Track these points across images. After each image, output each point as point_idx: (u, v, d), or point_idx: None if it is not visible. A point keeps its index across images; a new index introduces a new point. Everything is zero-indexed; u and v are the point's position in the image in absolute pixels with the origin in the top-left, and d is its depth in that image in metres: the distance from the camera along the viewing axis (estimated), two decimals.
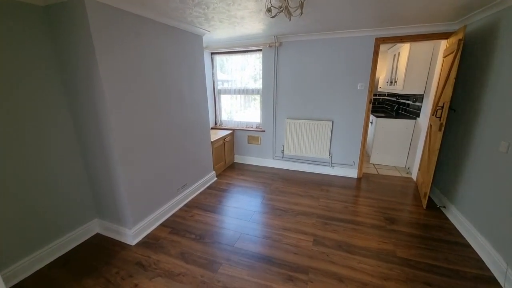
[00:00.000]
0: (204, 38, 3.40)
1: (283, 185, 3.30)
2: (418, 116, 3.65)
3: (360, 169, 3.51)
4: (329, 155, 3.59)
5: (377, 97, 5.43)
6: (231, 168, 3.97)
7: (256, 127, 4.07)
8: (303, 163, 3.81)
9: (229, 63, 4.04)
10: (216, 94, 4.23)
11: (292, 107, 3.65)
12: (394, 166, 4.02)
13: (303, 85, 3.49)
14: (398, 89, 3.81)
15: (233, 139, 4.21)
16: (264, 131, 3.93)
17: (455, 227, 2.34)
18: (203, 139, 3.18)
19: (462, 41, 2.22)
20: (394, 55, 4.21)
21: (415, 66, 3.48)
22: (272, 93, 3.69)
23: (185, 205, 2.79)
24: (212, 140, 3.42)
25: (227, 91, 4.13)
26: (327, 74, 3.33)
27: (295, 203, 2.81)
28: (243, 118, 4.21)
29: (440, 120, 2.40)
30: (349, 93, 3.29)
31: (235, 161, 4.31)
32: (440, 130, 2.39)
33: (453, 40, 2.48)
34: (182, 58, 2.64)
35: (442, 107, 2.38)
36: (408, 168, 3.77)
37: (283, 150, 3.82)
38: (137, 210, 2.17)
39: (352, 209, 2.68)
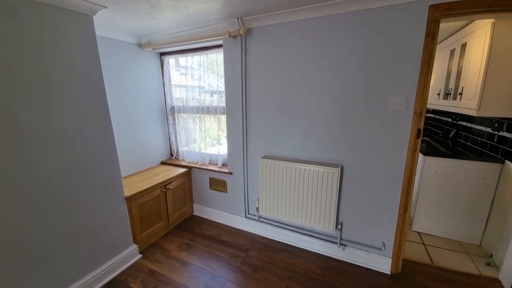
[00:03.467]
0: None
1: None
2: (510, 158, 1.93)
3: (397, 256, 1.86)
4: (337, 226, 1.99)
5: None
6: (179, 230, 2.52)
7: (222, 165, 2.62)
8: (291, 230, 2.24)
9: (185, 68, 2.69)
10: (169, 113, 2.89)
11: (271, 138, 2.15)
12: (459, 241, 2.27)
13: (289, 102, 2.00)
14: (466, 107, 2.14)
15: (190, 181, 2.79)
16: (231, 173, 2.46)
17: None
18: (105, 197, 1.80)
19: None
20: (453, 50, 2.55)
21: (502, 67, 1.82)
22: (241, 114, 2.24)
23: None
24: (132, 194, 2.03)
25: (185, 109, 2.77)
26: (331, 83, 1.81)
27: None
28: (206, 149, 2.79)
29: None
30: (375, 117, 1.72)
31: (194, 213, 2.87)
32: None
33: None
34: (37, 54, 1.33)
35: None
36: (491, 255, 2.00)
37: (258, 208, 2.30)
38: None
39: None
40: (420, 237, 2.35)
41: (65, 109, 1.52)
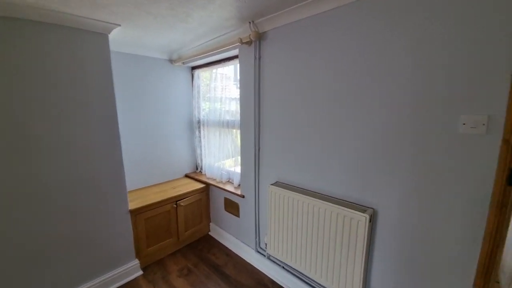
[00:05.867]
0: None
1: None
2: None
3: None
4: None
5: None
6: (188, 250, 2.36)
7: (238, 185, 2.35)
8: (306, 283, 1.73)
9: (212, 80, 2.61)
10: (195, 126, 2.86)
11: (285, 161, 1.75)
12: None
13: (307, 118, 1.58)
14: None
15: (208, 198, 2.63)
16: (243, 196, 2.16)
17: None
18: (108, 208, 1.82)
19: None
20: None
21: None
22: (253, 131, 1.94)
23: None
24: (138, 207, 2.00)
25: (209, 123, 2.69)
26: (364, 93, 1.31)
27: None
28: (226, 166, 2.59)
29: None
30: (431, 145, 1.11)
31: (210, 233, 2.68)
32: None
33: None
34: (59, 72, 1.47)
35: None
36: None
37: (266, 244, 1.90)
38: None
39: None
40: None
41: (74, 120, 1.60)
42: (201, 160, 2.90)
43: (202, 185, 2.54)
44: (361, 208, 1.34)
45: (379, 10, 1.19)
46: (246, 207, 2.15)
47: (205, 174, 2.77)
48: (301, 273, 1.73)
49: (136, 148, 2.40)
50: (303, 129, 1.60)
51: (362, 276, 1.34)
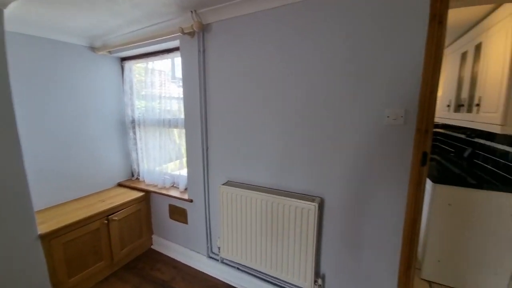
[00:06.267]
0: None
1: None
2: None
3: None
4: (316, 282, 1.48)
5: None
6: (126, 271, 2.03)
7: (185, 189, 2.16)
8: (263, 279, 1.73)
9: (148, 75, 2.31)
10: (129, 126, 2.49)
11: (235, 159, 1.70)
12: None
13: (255, 115, 1.57)
14: (487, 121, 1.67)
15: (148, 208, 2.33)
16: (191, 200, 2.00)
17: None
18: (7, 235, 1.36)
19: None
20: (464, 54, 2.12)
21: None
22: (200, 129, 1.82)
23: None
24: (53, 230, 1.58)
25: (147, 123, 2.37)
26: (308, 90, 1.38)
27: None
28: (169, 169, 2.35)
29: None
30: (363, 135, 1.27)
31: (152, 247, 2.38)
32: None
33: None
34: None
35: None
36: None
37: (219, 248, 1.80)
38: None
39: None
40: (430, 286, 1.80)
41: None
42: (138, 165, 2.54)
43: (140, 194, 2.22)
44: (310, 198, 1.42)
45: (320, 10, 1.28)
46: (195, 212, 1.99)
47: (144, 181, 2.44)
48: (256, 270, 1.71)
49: (48, 155, 1.91)
50: (252, 125, 1.59)
51: (313, 262, 1.42)
